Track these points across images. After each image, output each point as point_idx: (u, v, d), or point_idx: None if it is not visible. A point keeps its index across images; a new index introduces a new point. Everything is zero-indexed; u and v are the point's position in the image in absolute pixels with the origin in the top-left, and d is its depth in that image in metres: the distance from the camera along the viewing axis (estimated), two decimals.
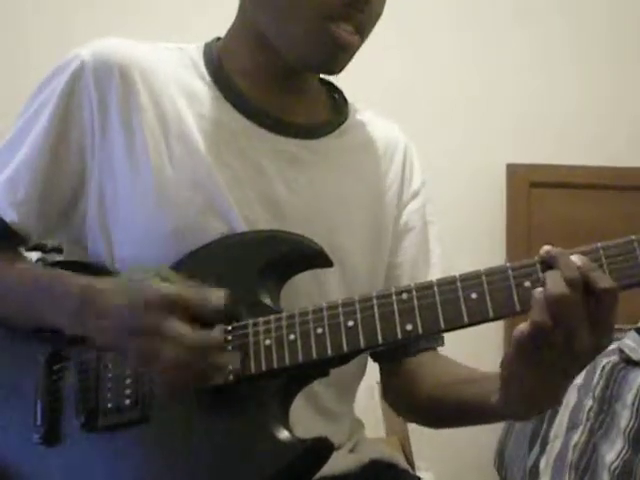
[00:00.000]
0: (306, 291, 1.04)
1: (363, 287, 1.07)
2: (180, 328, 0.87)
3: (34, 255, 2.02)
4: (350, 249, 1.09)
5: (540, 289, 0.81)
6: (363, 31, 1.04)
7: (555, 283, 0.80)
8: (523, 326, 0.81)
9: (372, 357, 1.16)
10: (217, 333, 0.89)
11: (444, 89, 2.83)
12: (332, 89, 1.20)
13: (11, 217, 1.03)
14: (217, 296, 0.90)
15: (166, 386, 0.90)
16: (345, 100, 1.19)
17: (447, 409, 1.05)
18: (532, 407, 0.90)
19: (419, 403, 1.10)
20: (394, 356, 1.14)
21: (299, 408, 0.99)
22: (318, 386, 1.02)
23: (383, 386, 1.17)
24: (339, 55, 1.03)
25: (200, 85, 1.08)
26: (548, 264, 0.83)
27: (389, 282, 1.14)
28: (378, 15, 1.07)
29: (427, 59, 2.84)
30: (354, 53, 1.05)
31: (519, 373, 0.85)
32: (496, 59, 2.87)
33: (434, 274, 1.13)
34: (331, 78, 1.17)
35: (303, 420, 1.01)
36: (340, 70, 1.06)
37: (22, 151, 1.04)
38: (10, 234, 1.05)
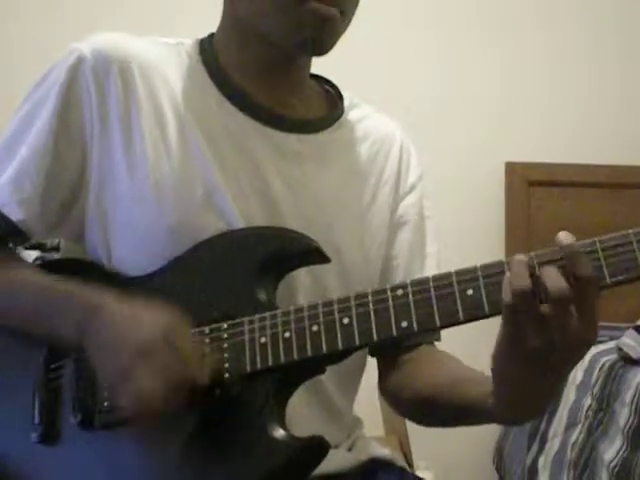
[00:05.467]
0: (303, 287, 1.04)
1: (360, 281, 1.07)
2: (150, 378, 0.86)
3: (33, 254, 2.01)
4: (347, 243, 1.09)
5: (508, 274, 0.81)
6: (344, 6, 1.03)
7: (519, 267, 0.80)
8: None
9: (370, 352, 1.16)
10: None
11: (443, 87, 2.83)
12: (328, 84, 1.20)
13: (18, 216, 1.03)
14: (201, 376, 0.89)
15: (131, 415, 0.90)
16: (341, 95, 1.18)
17: (442, 408, 1.04)
18: (524, 410, 0.89)
19: (414, 400, 1.08)
20: (392, 351, 1.13)
21: (303, 402, 0.99)
22: (323, 377, 1.02)
23: (380, 381, 1.16)
24: (321, 31, 1.02)
25: (196, 80, 1.08)
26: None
27: (385, 274, 1.14)
28: None
29: (427, 57, 2.84)
30: (338, 30, 1.04)
31: (509, 372, 0.85)
32: (496, 58, 2.87)
33: (430, 267, 1.13)
34: (330, 75, 1.17)
35: (305, 416, 1.02)
36: (327, 49, 1.05)
37: (24, 149, 1.04)
38: (16, 232, 1.05)
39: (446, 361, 1.11)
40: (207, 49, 1.11)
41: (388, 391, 1.14)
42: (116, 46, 1.06)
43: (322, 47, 1.05)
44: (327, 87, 1.19)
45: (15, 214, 1.03)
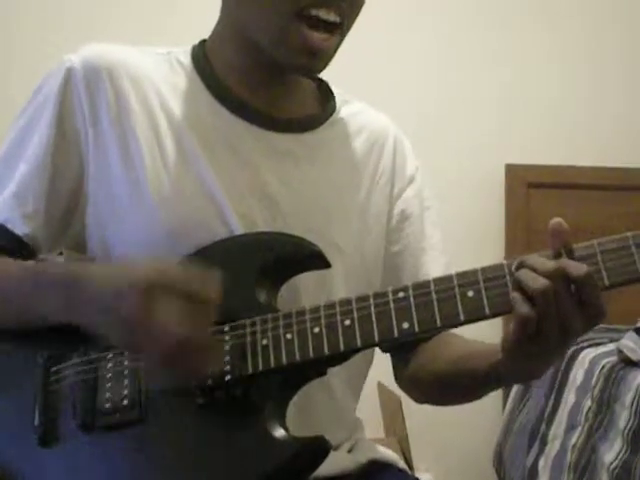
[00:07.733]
0: (307, 288, 1.04)
1: (359, 276, 1.09)
2: (164, 314, 0.82)
3: None
4: (345, 239, 1.10)
5: (516, 293, 0.83)
6: (343, 21, 1.03)
7: (531, 278, 0.83)
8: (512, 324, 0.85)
9: (382, 349, 1.16)
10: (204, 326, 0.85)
11: (444, 89, 2.83)
12: (318, 81, 1.20)
13: (23, 230, 1.04)
14: (209, 276, 0.85)
15: (154, 374, 0.90)
16: (331, 92, 1.19)
17: (459, 383, 1.06)
18: (537, 374, 0.94)
19: (433, 381, 1.10)
20: (408, 346, 1.13)
21: (309, 398, 1.00)
22: (332, 378, 1.03)
23: (395, 370, 1.17)
24: (312, 60, 1.03)
25: (189, 85, 1.09)
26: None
27: (392, 271, 1.14)
28: (360, 4, 1.06)
29: (427, 59, 2.84)
30: (331, 55, 1.05)
31: (517, 362, 0.89)
32: (496, 59, 2.87)
33: (436, 258, 1.15)
34: (330, 75, 1.17)
35: (310, 412, 1.02)
36: (318, 72, 1.06)
37: (23, 163, 1.05)
38: (22, 246, 1.05)
39: (454, 340, 1.12)
40: (199, 55, 1.12)
41: (405, 380, 1.15)
42: (105, 55, 1.07)
43: (312, 73, 1.07)
44: (318, 84, 1.20)
45: (20, 228, 1.04)
